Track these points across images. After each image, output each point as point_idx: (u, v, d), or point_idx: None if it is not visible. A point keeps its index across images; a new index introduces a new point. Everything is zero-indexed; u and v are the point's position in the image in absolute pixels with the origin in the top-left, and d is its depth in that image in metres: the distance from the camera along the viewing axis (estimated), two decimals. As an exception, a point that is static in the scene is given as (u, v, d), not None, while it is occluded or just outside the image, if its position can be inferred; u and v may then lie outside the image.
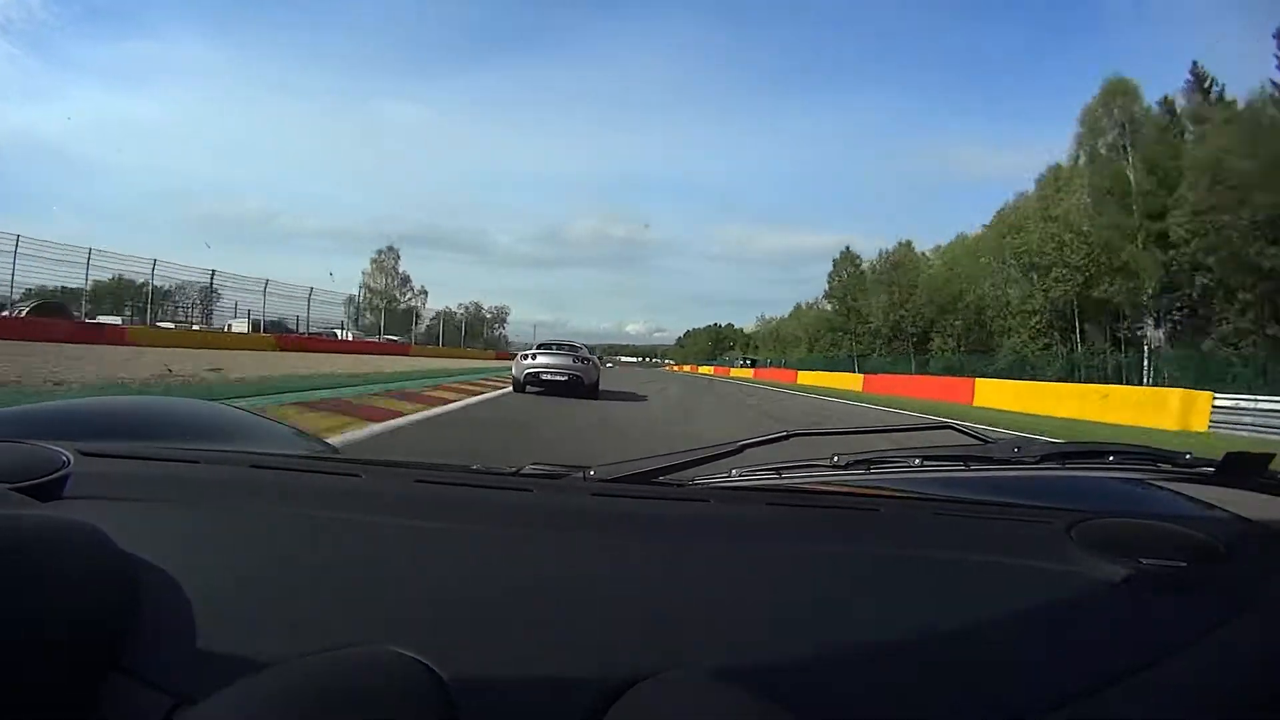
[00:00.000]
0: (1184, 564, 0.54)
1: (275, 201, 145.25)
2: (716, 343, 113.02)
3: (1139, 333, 26.95)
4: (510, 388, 11.02)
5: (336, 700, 0.37)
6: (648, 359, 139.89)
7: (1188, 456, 0.62)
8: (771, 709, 0.40)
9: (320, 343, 27.95)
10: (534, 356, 10.72)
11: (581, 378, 10.37)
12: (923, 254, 41.30)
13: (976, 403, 18.14)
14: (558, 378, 10.29)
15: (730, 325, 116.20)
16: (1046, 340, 29.55)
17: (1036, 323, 29.53)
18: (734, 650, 0.45)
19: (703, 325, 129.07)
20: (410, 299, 57.44)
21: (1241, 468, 0.58)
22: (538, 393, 10.30)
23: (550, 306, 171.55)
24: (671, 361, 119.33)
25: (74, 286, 23.18)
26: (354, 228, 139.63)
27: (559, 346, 11.32)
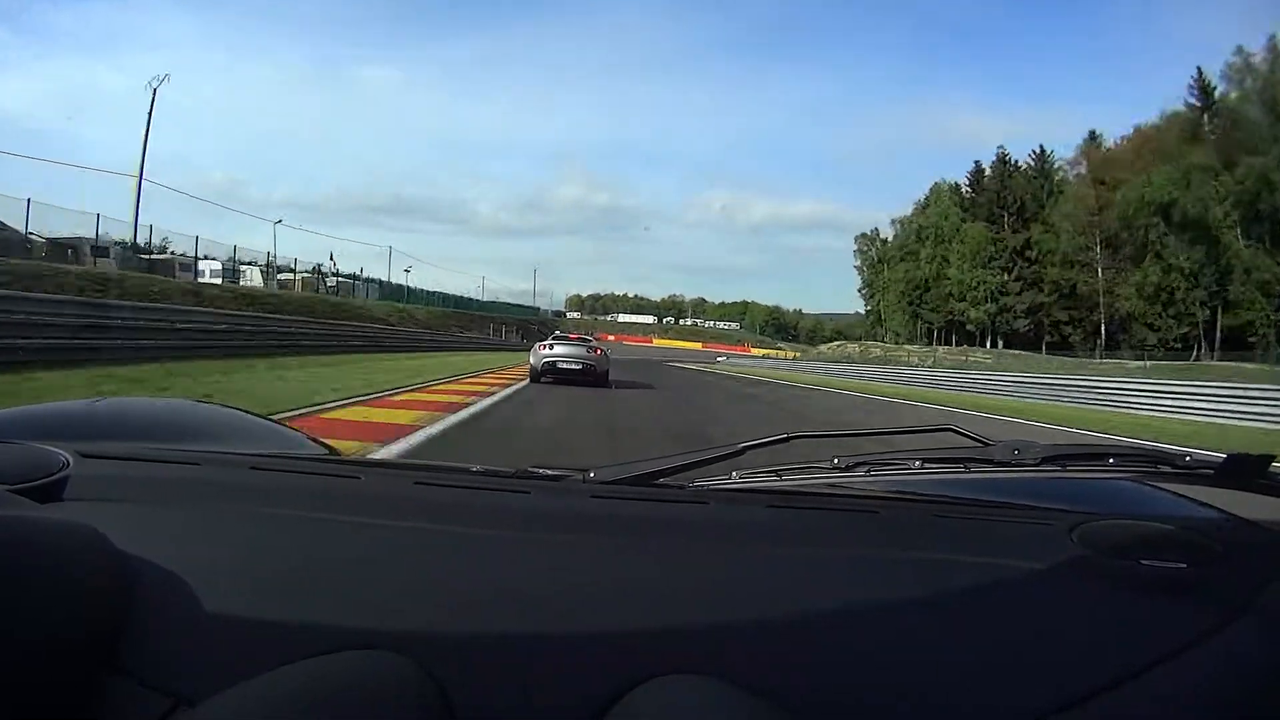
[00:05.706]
0: (1184, 565, 0.54)
1: (242, 171, 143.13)
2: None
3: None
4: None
5: (335, 702, 0.37)
6: (666, 319, 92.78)
7: (1188, 458, 0.62)
8: (771, 710, 0.40)
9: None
10: (551, 347, 11.32)
11: (594, 366, 11.01)
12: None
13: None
14: (573, 367, 10.89)
15: (797, 311, 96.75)
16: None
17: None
18: (734, 652, 0.45)
19: (687, 295, 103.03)
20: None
21: (1242, 469, 0.58)
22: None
23: (533, 275, 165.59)
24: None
25: None
26: (326, 199, 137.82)
27: (572, 338, 12.06)
